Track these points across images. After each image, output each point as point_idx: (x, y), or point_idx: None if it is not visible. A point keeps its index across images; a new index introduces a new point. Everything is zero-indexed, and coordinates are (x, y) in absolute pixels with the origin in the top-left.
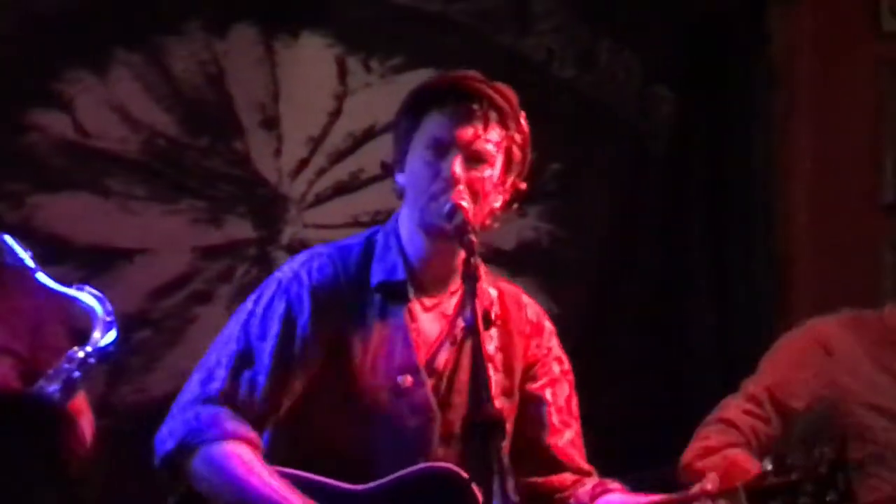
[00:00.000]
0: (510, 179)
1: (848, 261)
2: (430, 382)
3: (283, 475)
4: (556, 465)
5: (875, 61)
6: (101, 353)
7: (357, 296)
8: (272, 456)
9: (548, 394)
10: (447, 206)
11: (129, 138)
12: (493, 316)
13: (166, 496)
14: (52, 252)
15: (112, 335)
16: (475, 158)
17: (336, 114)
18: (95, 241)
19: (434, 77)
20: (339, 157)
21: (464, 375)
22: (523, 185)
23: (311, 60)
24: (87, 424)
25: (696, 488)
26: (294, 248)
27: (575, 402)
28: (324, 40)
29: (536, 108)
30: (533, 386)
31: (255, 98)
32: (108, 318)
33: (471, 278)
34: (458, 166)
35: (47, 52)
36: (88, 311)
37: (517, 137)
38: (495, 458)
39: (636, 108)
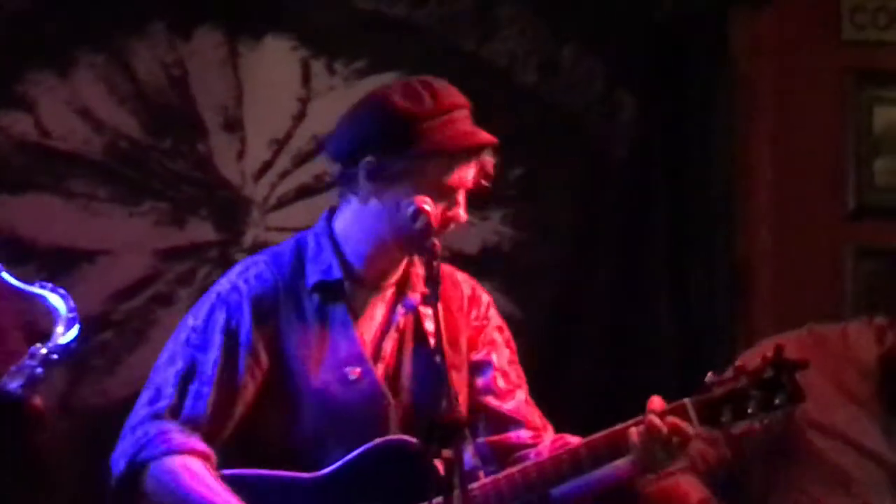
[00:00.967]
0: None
1: (810, 268)
2: (378, 370)
3: (238, 477)
4: (510, 424)
5: (836, 69)
6: (64, 349)
7: (295, 298)
8: (227, 464)
9: (494, 358)
10: (410, 209)
11: (92, 139)
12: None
13: None
14: (15, 253)
15: (74, 331)
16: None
17: (300, 117)
18: (58, 242)
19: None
20: (302, 159)
21: (408, 358)
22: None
23: (274, 63)
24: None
25: (644, 415)
26: (256, 251)
27: (520, 368)
28: (288, 43)
29: (500, 113)
30: (477, 355)
31: (218, 100)
32: (71, 315)
33: (434, 281)
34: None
35: (10, 53)
36: (51, 310)
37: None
38: (458, 461)
39: (598, 114)
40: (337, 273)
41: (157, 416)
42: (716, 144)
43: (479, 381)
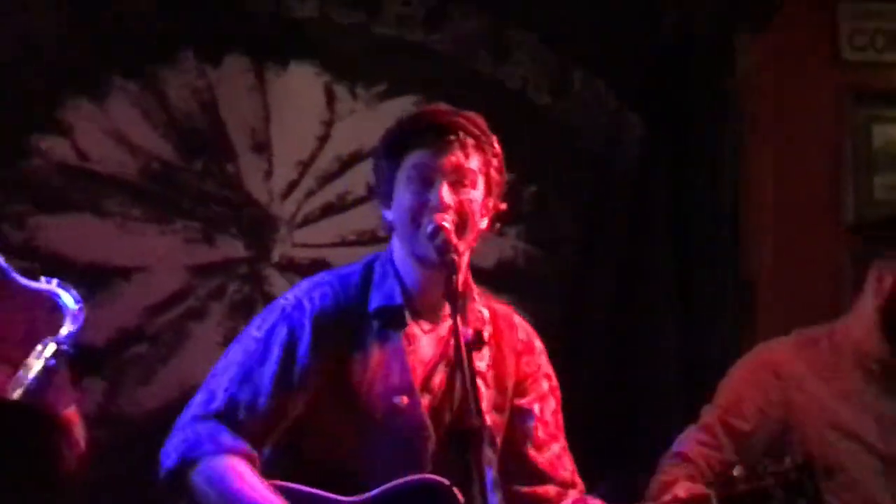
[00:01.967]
0: (492, 201)
1: (812, 280)
2: (425, 402)
3: (279, 488)
4: (542, 478)
5: (835, 88)
6: (72, 339)
7: (356, 321)
8: (271, 471)
9: (536, 408)
10: (430, 227)
11: (127, 162)
12: (485, 334)
13: None
14: (53, 271)
15: (79, 321)
16: (460, 183)
17: (324, 138)
18: (94, 260)
19: (407, 116)
20: (327, 179)
21: (458, 395)
22: (503, 206)
23: (300, 88)
24: (79, 435)
25: (667, 496)
26: (284, 267)
27: (561, 417)
28: (312, 69)
29: (514, 133)
30: (522, 401)
31: (246, 123)
32: (77, 307)
33: (453, 295)
34: (445, 192)
35: (49, 81)
36: (60, 305)
37: (494, 161)
38: (474, 464)
39: (606, 134)
40: (398, 299)
41: (208, 417)
42: (720, 161)
43: (520, 428)
